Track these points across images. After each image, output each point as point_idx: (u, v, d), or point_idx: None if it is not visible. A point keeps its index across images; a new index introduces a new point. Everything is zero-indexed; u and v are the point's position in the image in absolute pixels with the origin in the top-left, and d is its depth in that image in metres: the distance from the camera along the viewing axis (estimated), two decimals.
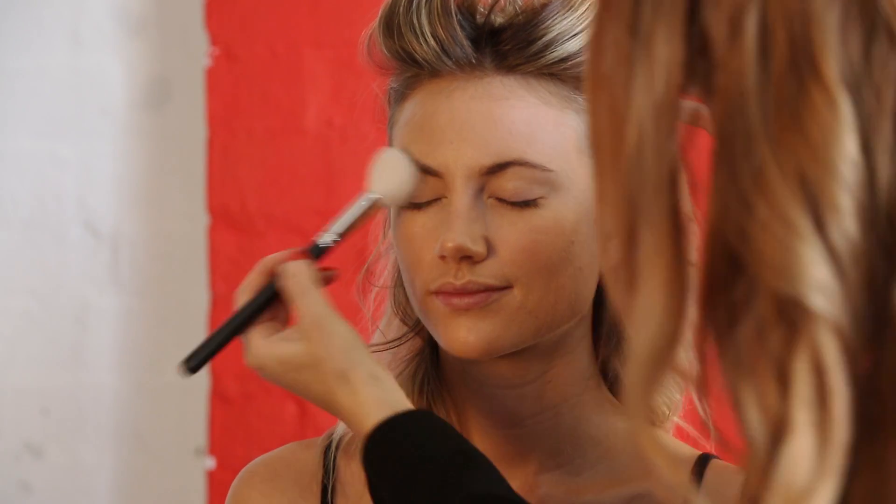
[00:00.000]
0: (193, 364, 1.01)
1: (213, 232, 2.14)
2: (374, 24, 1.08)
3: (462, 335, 1.04)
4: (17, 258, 2.22)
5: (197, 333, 2.13)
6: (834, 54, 0.64)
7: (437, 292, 1.04)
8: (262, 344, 0.99)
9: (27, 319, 2.22)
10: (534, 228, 1.05)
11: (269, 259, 1.03)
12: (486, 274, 1.04)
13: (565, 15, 1.07)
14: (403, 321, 1.14)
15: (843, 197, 0.64)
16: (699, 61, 0.67)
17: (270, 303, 1.02)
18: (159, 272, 2.21)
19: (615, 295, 0.72)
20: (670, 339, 0.68)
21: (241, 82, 2.14)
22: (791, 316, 0.65)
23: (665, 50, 0.68)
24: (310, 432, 2.05)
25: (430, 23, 1.06)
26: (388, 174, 1.06)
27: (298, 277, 1.01)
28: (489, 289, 1.04)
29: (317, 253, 1.05)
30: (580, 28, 1.07)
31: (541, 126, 1.07)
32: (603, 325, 1.14)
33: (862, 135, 0.65)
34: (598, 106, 0.71)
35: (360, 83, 2.12)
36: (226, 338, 1.02)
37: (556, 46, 1.06)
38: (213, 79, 2.14)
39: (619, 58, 0.69)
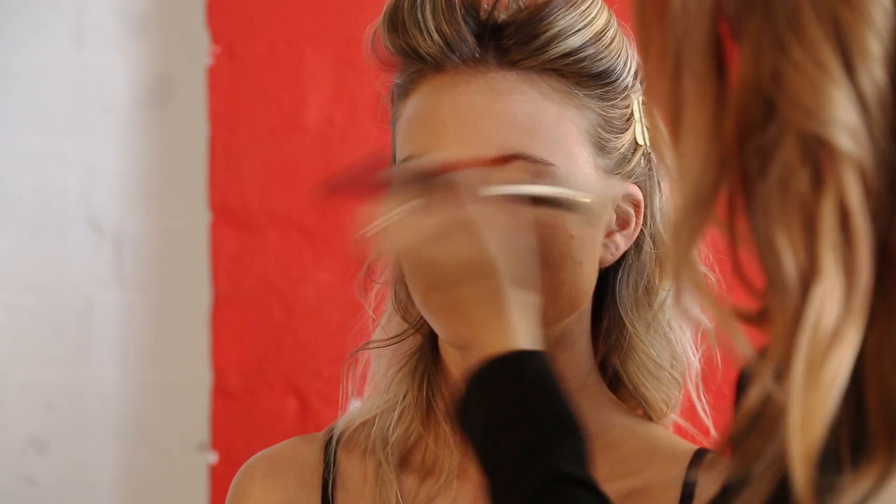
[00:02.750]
0: (336, 187, 1.04)
1: (215, 229, 2.15)
2: (379, 20, 1.10)
3: None
4: (21, 255, 2.22)
5: (199, 329, 2.16)
6: None
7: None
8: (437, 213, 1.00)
9: (31, 316, 2.22)
10: (535, 222, 1.05)
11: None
12: None
13: (568, 11, 1.08)
14: (404, 318, 1.16)
15: (873, 42, 0.66)
16: None
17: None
18: (162, 269, 2.22)
19: (660, 150, 0.75)
20: (712, 187, 0.71)
21: (243, 81, 2.15)
22: (818, 158, 0.67)
23: None
24: (311, 427, 2.06)
25: (434, 18, 1.07)
26: None
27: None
28: None
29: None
30: (582, 24, 1.09)
31: (543, 121, 1.08)
32: (602, 322, 1.15)
33: None
34: None
35: (360, 82, 2.15)
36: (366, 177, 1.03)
37: (559, 42, 1.07)
38: (215, 77, 2.15)
39: None
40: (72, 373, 2.21)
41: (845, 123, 0.66)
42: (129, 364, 2.21)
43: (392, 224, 1.01)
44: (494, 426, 0.96)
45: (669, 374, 1.14)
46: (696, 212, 0.72)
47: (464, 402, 0.98)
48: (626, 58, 1.11)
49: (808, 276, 0.67)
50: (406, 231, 1.01)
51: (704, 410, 1.16)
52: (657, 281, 1.14)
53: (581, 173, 1.09)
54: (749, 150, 0.70)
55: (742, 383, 0.73)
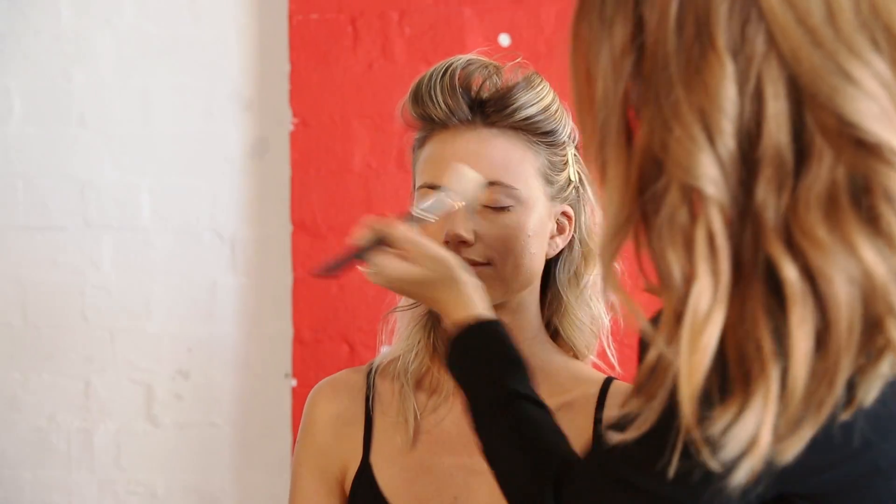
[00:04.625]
0: (322, 272, 1.01)
1: (295, 236, 2.20)
2: (405, 97, 1.12)
3: None
4: (172, 254, 2.31)
5: (285, 300, 2.24)
6: (723, 32, 0.66)
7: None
8: (390, 264, 0.99)
9: (179, 292, 2.30)
10: (505, 226, 1.07)
11: (373, 219, 1.03)
12: (474, 254, 1.06)
13: (527, 92, 1.11)
14: None
15: (726, 124, 0.66)
16: (637, 35, 0.69)
17: (377, 246, 1.01)
18: (261, 262, 2.27)
19: (595, 195, 0.77)
20: (625, 220, 0.70)
21: (313, 140, 2.19)
22: (692, 200, 0.67)
23: (620, 29, 0.70)
24: (357, 362, 2.10)
25: (442, 95, 1.09)
26: (463, 179, 1.05)
27: (407, 231, 1.01)
28: (475, 264, 1.06)
29: (410, 220, 1.04)
30: (536, 100, 1.09)
31: (511, 160, 1.08)
32: (547, 295, 1.16)
33: (738, 84, 0.66)
34: (577, 72, 0.73)
35: (388, 141, 2.17)
36: (347, 259, 1.01)
37: (521, 111, 1.09)
38: (295, 138, 2.20)
39: (593, 37, 0.71)
40: (204, 328, 2.28)
41: (710, 177, 0.66)
42: (241, 322, 2.28)
43: (375, 271, 1.01)
44: (471, 370, 0.96)
45: (590, 329, 1.15)
46: (615, 237, 0.72)
47: (450, 358, 0.98)
48: (564, 123, 1.11)
49: (689, 279, 0.67)
50: (383, 275, 1.00)
51: (612, 354, 1.19)
52: (583, 269, 1.14)
53: (534, 195, 1.09)
54: (647, 195, 0.69)
55: (642, 348, 0.74)
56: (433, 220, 1.04)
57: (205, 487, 2.24)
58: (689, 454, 0.68)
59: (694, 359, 0.66)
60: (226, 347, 2.24)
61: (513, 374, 0.94)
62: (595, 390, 1.11)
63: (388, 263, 0.99)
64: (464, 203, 1.05)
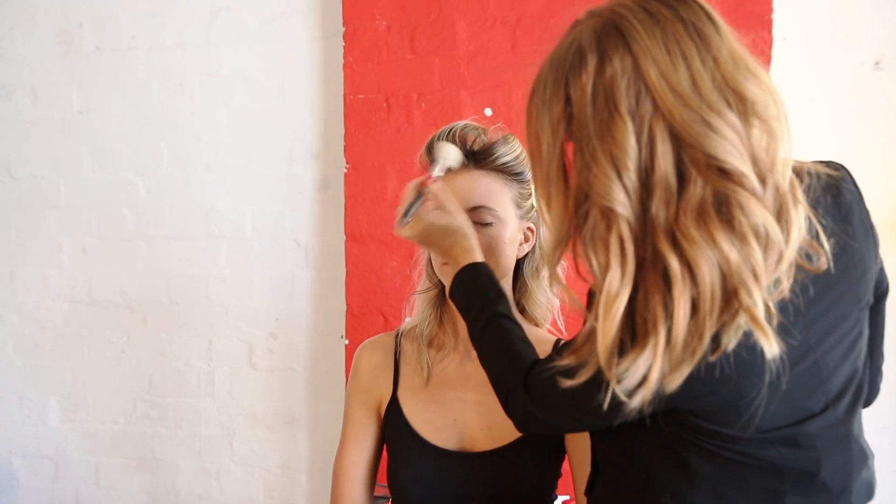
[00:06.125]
0: (404, 219, 1.02)
1: (347, 243, 2.21)
2: (422, 149, 1.14)
3: None
4: (266, 256, 2.35)
5: (340, 287, 2.27)
6: (623, 101, 0.68)
7: (445, 263, 1.09)
8: (430, 210, 1.00)
9: (270, 281, 2.35)
10: (489, 236, 1.09)
11: (415, 182, 1.04)
12: None
13: (504, 146, 1.13)
14: (430, 280, 1.21)
15: (629, 163, 0.67)
16: (567, 107, 0.72)
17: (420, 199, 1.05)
18: (325, 261, 2.30)
19: (543, 217, 0.75)
20: (565, 234, 0.73)
21: (360, 179, 2.20)
22: (608, 217, 0.68)
23: (555, 105, 0.72)
24: (389, 328, 2.12)
25: None
26: (448, 151, 1.05)
27: (441, 188, 1.04)
28: None
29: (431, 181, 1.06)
30: (510, 152, 1.12)
31: (494, 191, 1.10)
32: (517, 283, 1.19)
33: (636, 135, 0.68)
34: (529, 135, 0.75)
35: (411, 179, 2.15)
36: (411, 206, 1.02)
37: (500, 159, 1.11)
38: (348, 178, 2.21)
39: (539, 113, 0.73)
40: (287, 305, 2.34)
41: (620, 200, 0.67)
42: (311, 301, 2.32)
43: (407, 221, 1.04)
44: (467, 297, 0.97)
45: (546, 307, 1.19)
46: (558, 246, 0.73)
47: (452, 289, 1.00)
48: (529, 167, 1.13)
49: (605, 270, 0.69)
50: (414, 224, 1.02)
51: (561, 323, 1.24)
52: (541, 266, 1.17)
53: (509, 215, 1.10)
54: (580, 215, 0.71)
55: (585, 322, 0.76)
56: (442, 176, 1.07)
57: (287, 412, 2.28)
58: (610, 390, 0.73)
59: (606, 324, 0.68)
60: (301, 318, 2.24)
61: (498, 299, 0.96)
62: (548, 348, 1.14)
63: (429, 210, 1.02)
64: (454, 165, 1.08)
